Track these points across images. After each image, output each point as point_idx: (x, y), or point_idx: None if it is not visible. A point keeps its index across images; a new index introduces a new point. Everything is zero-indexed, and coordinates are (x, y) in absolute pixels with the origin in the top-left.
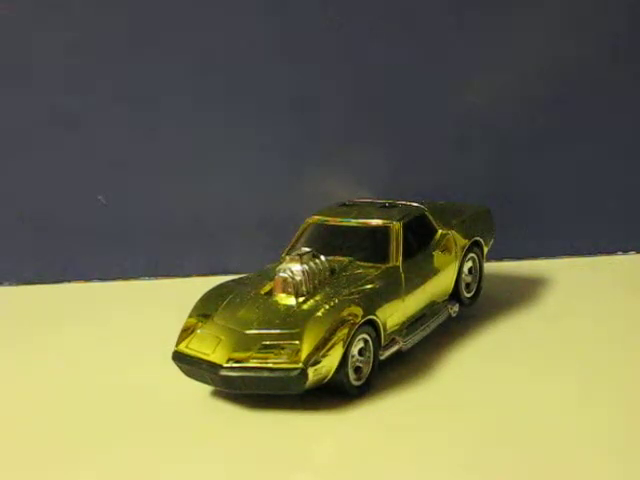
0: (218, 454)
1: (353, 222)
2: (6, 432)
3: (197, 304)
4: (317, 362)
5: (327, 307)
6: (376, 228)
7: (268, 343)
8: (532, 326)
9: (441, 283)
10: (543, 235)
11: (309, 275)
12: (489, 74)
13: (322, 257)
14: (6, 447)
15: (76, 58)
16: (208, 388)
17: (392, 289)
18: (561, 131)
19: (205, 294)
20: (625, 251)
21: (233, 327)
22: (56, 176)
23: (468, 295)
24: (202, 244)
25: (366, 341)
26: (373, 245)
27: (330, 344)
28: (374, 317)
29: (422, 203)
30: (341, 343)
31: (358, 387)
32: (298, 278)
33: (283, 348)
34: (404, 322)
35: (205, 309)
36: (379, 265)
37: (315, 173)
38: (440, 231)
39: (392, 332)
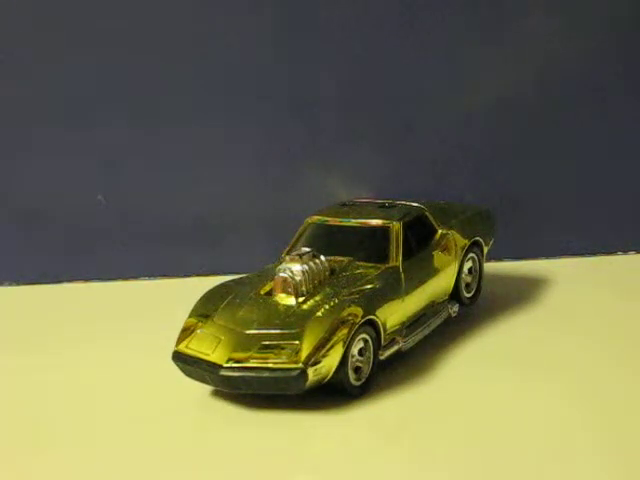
0: (218, 454)
1: (353, 222)
2: (5, 430)
3: (197, 304)
4: (317, 362)
5: (327, 307)
6: (376, 228)
7: (268, 343)
8: (532, 326)
9: (441, 283)
10: (543, 235)
11: (309, 275)
12: (489, 74)
13: (322, 257)
14: (6, 445)
15: (76, 57)
16: (208, 388)
17: (392, 289)
18: (561, 131)
19: (205, 294)
20: (625, 251)
21: (233, 327)
22: (56, 176)
23: (468, 295)
24: (202, 244)
25: (366, 341)
26: (373, 245)
27: (330, 344)
28: (374, 317)
29: (422, 203)
30: (341, 343)
31: (358, 387)
32: (298, 278)
33: (283, 348)
34: (404, 322)
35: (205, 309)
36: (379, 265)
37: (315, 173)
38: (440, 231)
39: (392, 332)
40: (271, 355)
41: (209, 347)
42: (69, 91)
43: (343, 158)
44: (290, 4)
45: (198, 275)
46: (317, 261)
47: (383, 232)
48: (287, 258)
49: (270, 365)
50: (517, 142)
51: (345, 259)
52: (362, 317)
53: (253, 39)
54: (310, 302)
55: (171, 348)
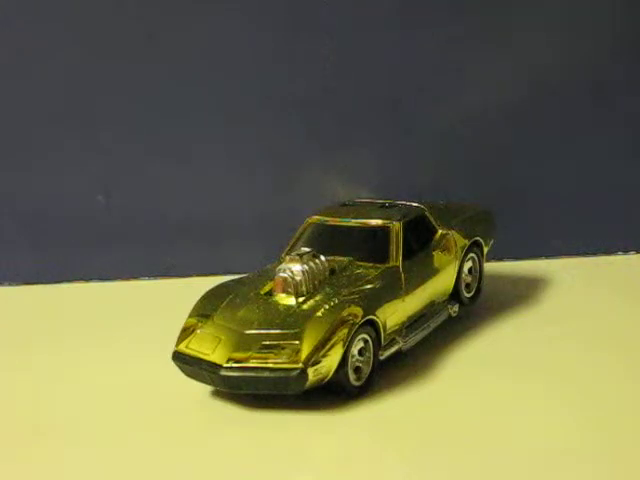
0: (218, 454)
1: (353, 222)
2: (5, 431)
3: (197, 304)
4: (317, 362)
5: (327, 307)
6: (376, 228)
7: (268, 343)
8: (532, 326)
9: (441, 283)
10: (543, 235)
11: (309, 275)
12: (489, 74)
13: (322, 257)
14: (6, 445)
15: (77, 57)
16: (208, 388)
17: (392, 289)
18: (561, 131)
19: (205, 294)
20: (625, 251)
21: (233, 327)
22: (56, 176)
23: (468, 295)
24: (202, 244)
25: (366, 341)
26: (373, 245)
27: (330, 344)
28: (374, 317)
29: (422, 203)
30: (341, 343)
31: (358, 387)
32: (298, 278)
33: (283, 348)
34: (404, 322)
35: (205, 309)
36: (379, 265)
37: (315, 173)
38: (440, 231)
39: (392, 332)
40: (271, 355)
41: (209, 347)
42: (69, 90)
43: (343, 158)
44: (290, 4)
45: (198, 275)
46: (317, 261)
47: (383, 232)
48: (287, 258)
49: (270, 365)
50: (517, 142)
51: (345, 259)
52: (362, 317)
53: (253, 39)
54: (310, 302)
55: (171, 348)
